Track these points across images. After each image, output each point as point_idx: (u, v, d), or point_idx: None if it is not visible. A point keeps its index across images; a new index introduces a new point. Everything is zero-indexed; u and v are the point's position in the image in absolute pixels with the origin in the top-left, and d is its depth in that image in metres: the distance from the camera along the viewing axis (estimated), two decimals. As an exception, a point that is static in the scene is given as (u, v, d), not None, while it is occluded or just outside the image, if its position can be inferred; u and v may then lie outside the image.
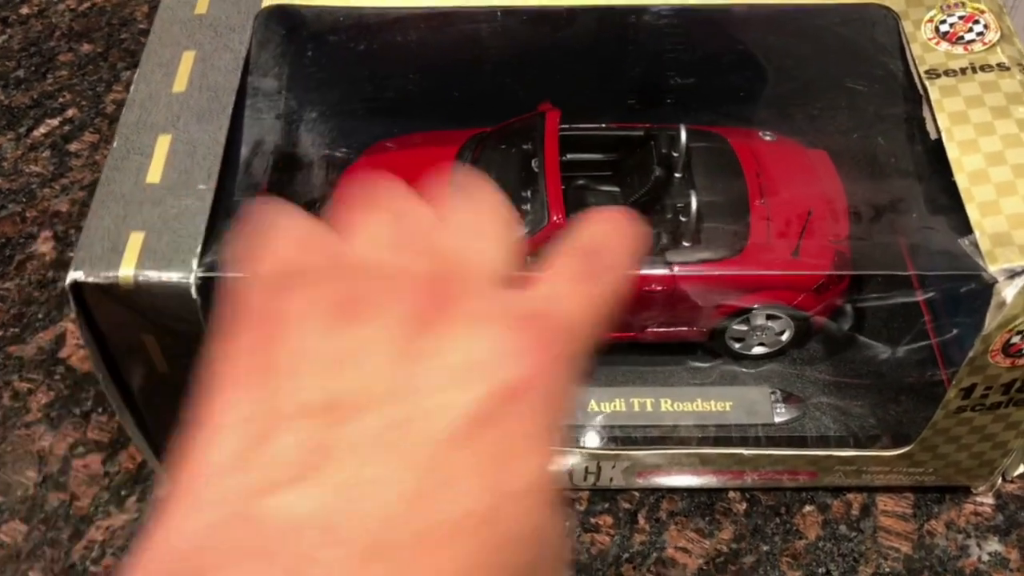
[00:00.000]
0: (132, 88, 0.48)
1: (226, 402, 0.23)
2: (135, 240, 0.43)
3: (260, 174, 0.48)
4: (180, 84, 0.48)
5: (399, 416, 0.22)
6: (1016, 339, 0.43)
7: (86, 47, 0.80)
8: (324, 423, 0.22)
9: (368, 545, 0.21)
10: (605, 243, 0.29)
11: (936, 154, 0.46)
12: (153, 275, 0.42)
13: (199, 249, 0.42)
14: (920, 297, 0.57)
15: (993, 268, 0.41)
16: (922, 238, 0.47)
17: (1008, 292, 0.41)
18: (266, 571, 0.20)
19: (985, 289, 0.42)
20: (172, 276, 0.42)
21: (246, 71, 0.49)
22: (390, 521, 0.21)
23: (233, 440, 0.22)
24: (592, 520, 0.55)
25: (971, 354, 0.43)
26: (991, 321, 0.42)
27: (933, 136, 0.46)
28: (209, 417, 0.23)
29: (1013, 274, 0.40)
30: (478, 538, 0.21)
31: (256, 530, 0.21)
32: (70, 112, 0.75)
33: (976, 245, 0.42)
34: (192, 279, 0.41)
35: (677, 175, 0.56)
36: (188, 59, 0.49)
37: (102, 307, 0.43)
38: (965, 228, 0.43)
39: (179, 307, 0.42)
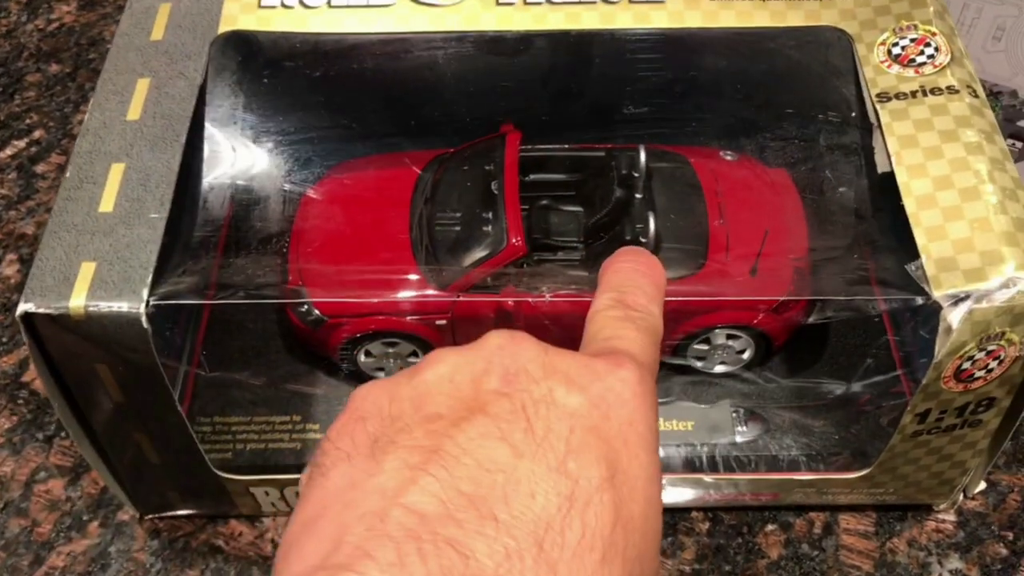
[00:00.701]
0: (87, 116, 0.48)
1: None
2: (86, 270, 0.43)
3: (218, 208, 0.48)
4: (135, 112, 0.48)
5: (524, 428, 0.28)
6: (967, 364, 0.43)
7: (54, 67, 0.80)
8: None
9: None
10: (635, 285, 0.36)
11: (887, 185, 0.46)
12: (104, 305, 0.42)
13: (150, 279, 0.42)
14: (884, 308, 0.57)
15: (938, 294, 0.41)
16: (877, 269, 0.47)
17: (953, 317, 0.41)
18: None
19: (932, 315, 0.42)
20: (123, 306, 0.42)
21: (202, 99, 0.49)
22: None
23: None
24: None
25: (924, 381, 0.44)
26: (940, 348, 0.42)
27: (881, 169, 0.46)
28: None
29: (957, 300, 0.41)
30: (608, 507, 0.27)
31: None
32: (37, 133, 0.75)
33: (923, 270, 0.42)
34: (142, 309, 0.41)
35: (637, 196, 0.56)
36: (143, 86, 0.49)
37: (54, 337, 0.43)
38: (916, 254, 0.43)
39: (130, 337, 0.42)
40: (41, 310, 0.42)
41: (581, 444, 0.27)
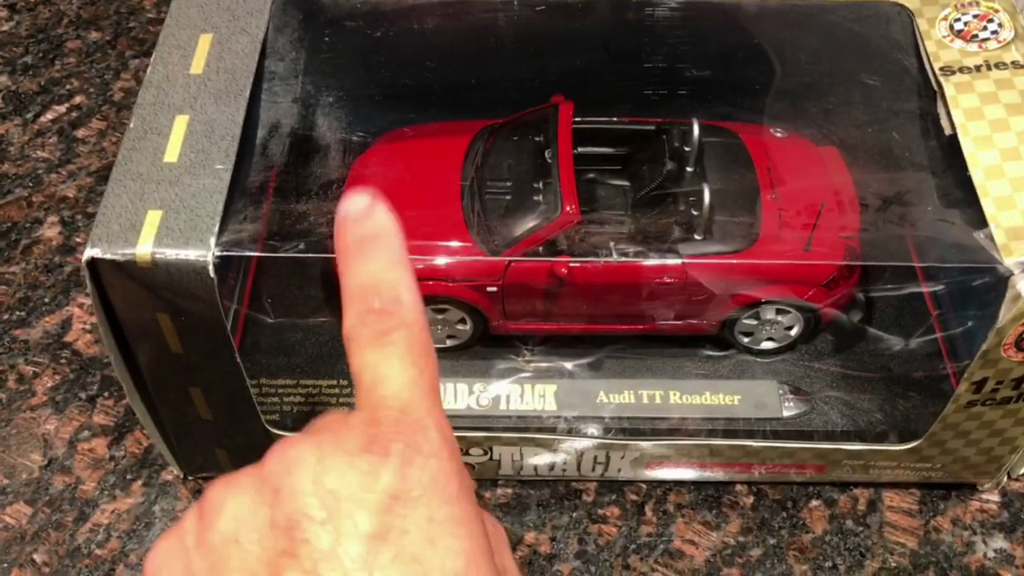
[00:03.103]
0: (149, 69, 0.48)
1: None
2: (152, 218, 0.43)
3: (277, 155, 0.48)
4: (198, 66, 0.48)
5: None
6: (1029, 333, 0.43)
7: (94, 35, 0.80)
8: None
9: None
10: (371, 273, 0.30)
11: (950, 149, 0.46)
12: (171, 253, 0.42)
13: (217, 228, 0.42)
14: (926, 289, 0.57)
15: (1009, 261, 0.41)
16: (935, 231, 0.47)
17: (1023, 284, 0.41)
18: None
19: (998, 282, 0.42)
20: (190, 254, 0.41)
21: (263, 55, 0.49)
22: None
23: None
24: (599, 511, 0.55)
25: (984, 347, 0.44)
26: (1006, 314, 0.42)
27: (947, 132, 0.46)
28: None
29: (1028, 267, 0.41)
30: None
31: None
32: (77, 99, 0.75)
33: (991, 238, 0.42)
34: (210, 258, 0.41)
35: (689, 169, 0.56)
36: (205, 42, 0.49)
37: (117, 285, 0.43)
38: (979, 222, 0.43)
39: (196, 286, 0.42)
40: (107, 256, 0.42)
41: None
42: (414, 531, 0.26)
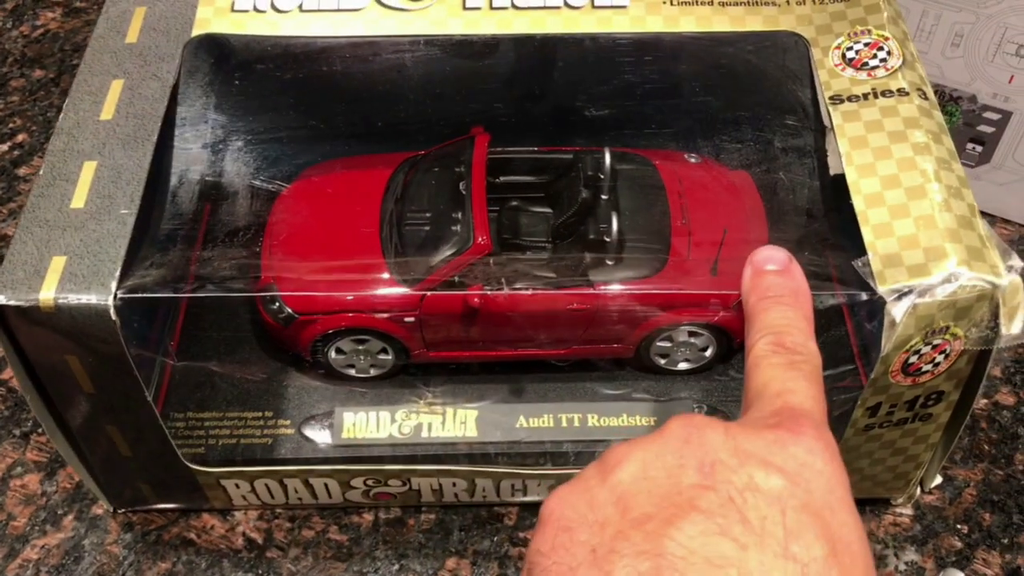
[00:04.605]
0: (61, 116, 0.49)
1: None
2: (57, 264, 0.44)
3: (185, 202, 0.50)
4: (108, 112, 0.49)
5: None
6: (914, 359, 0.44)
7: (38, 73, 0.81)
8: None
9: None
10: (788, 321, 0.38)
11: (838, 187, 0.47)
12: (73, 298, 0.43)
13: (118, 272, 0.43)
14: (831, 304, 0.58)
15: (883, 288, 0.42)
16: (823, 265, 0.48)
17: (897, 311, 0.42)
18: None
19: (879, 310, 0.43)
20: (91, 298, 0.43)
21: (174, 99, 0.50)
22: None
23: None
24: (520, 535, 0.56)
25: (873, 375, 0.45)
26: (887, 342, 0.43)
27: (834, 171, 0.47)
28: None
29: (900, 294, 0.42)
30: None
31: None
32: (20, 137, 0.76)
33: (868, 266, 0.43)
34: (111, 301, 0.43)
35: (603, 197, 0.57)
36: (117, 87, 0.50)
37: (25, 330, 0.44)
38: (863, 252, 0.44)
39: (99, 329, 0.43)
40: (12, 302, 0.43)
41: (797, 525, 0.28)
42: (817, 494, 0.29)
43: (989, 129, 0.65)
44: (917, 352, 0.44)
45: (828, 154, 0.48)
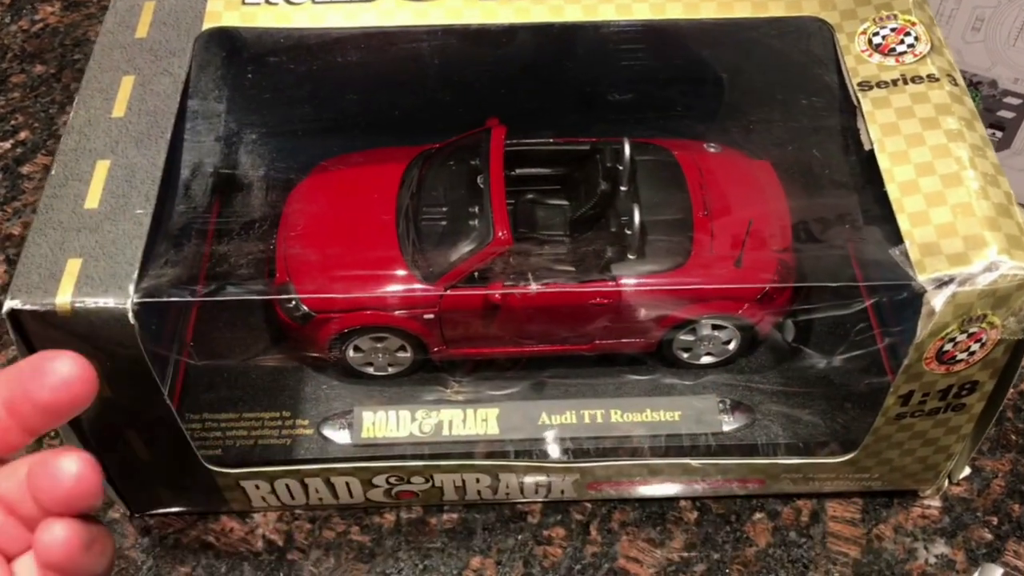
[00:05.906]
0: (71, 114, 0.48)
1: None
2: (72, 267, 0.43)
3: (199, 196, 0.48)
4: (119, 109, 0.48)
5: None
6: (948, 347, 0.43)
7: (39, 68, 0.80)
8: None
9: None
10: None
11: (871, 164, 0.46)
12: (90, 302, 0.42)
13: (136, 274, 0.42)
14: (868, 303, 0.57)
15: (922, 277, 0.41)
16: (857, 249, 0.47)
17: (937, 301, 0.41)
18: None
19: (916, 298, 0.42)
20: (109, 302, 0.42)
21: (186, 94, 0.49)
22: None
23: None
24: (544, 533, 0.55)
25: (906, 362, 0.44)
26: (922, 330, 0.42)
27: (867, 147, 0.47)
28: None
29: (941, 283, 0.41)
30: None
31: None
32: (22, 134, 0.75)
33: (906, 255, 0.42)
34: (129, 304, 0.41)
35: (622, 188, 0.56)
36: (127, 84, 0.49)
37: (41, 334, 0.43)
38: (898, 238, 0.43)
39: (117, 333, 0.42)
40: (27, 307, 0.42)
41: None
42: None
43: (1009, 115, 0.64)
44: (952, 340, 0.43)
45: (860, 132, 0.47)
